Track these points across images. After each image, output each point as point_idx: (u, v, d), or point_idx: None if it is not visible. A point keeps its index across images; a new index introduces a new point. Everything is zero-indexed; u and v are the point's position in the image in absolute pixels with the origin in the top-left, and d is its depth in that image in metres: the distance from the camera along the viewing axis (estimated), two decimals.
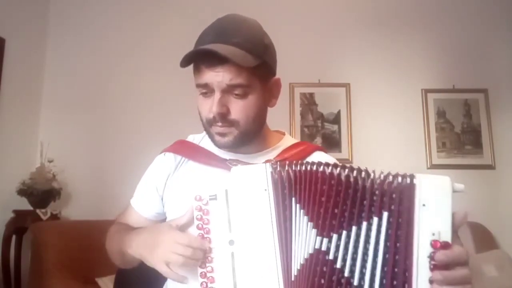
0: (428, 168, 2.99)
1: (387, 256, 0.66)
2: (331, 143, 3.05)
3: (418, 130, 3.07)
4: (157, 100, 3.03)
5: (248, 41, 0.85)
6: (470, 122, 3.08)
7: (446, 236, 0.65)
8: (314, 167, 0.72)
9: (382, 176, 0.69)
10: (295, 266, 0.72)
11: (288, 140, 1.02)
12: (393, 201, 0.67)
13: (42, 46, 3.09)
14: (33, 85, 2.99)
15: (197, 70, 0.87)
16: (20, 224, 2.54)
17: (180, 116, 2.74)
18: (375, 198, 0.68)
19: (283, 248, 0.72)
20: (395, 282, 0.65)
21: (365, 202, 0.68)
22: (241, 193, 0.75)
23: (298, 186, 0.73)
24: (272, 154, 0.97)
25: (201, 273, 0.75)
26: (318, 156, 0.99)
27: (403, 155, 2.98)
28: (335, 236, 0.69)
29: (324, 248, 0.69)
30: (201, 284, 0.75)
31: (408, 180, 0.67)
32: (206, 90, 0.87)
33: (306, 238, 0.71)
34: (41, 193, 2.61)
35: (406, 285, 0.65)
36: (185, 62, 0.85)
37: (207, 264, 0.75)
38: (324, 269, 0.69)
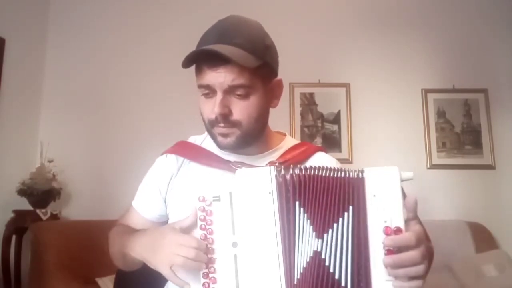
0: (428, 168, 2.99)
1: (355, 249, 0.70)
2: (331, 143, 3.04)
3: (418, 130, 3.07)
4: (157, 100, 3.02)
5: (249, 42, 0.85)
6: (470, 122, 3.08)
7: (398, 222, 0.69)
8: (317, 172, 0.74)
9: (336, 173, 0.73)
10: (298, 270, 0.72)
11: (289, 141, 1.02)
12: (349, 195, 0.72)
13: (42, 46, 3.09)
14: (33, 85, 2.99)
15: (199, 71, 0.87)
16: (20, 224, 2.53)
17: (180, 116, 2.74)
18: (342, 194, 0.72)
19: (286, 252, 0.72)
20: (361, 272, 0.70)
21: (342, 199, 0.73)
22: (246, 195, 0.75)
23: (302, 190, 0.74)
24: (274, 155, 0.97)
25: (203, 273, 0.75)
26: (320, 157, 1.00)
27: (403, 155, 2.97)
28: (325, 236, 0.72)
29: (319, 250, 0.71)
30: (203, 284, 0.75)
31: (358, 175, 0.72)
32: (208, 91, 0.87)
33: (308, 241, 0.72)
34: (41, 193, 2.61)
35: (368, 272, 0.69)
36: (186, 63, 0.84)
37: (209, 265, 0.75)
38: (323, 272, 0.70)
